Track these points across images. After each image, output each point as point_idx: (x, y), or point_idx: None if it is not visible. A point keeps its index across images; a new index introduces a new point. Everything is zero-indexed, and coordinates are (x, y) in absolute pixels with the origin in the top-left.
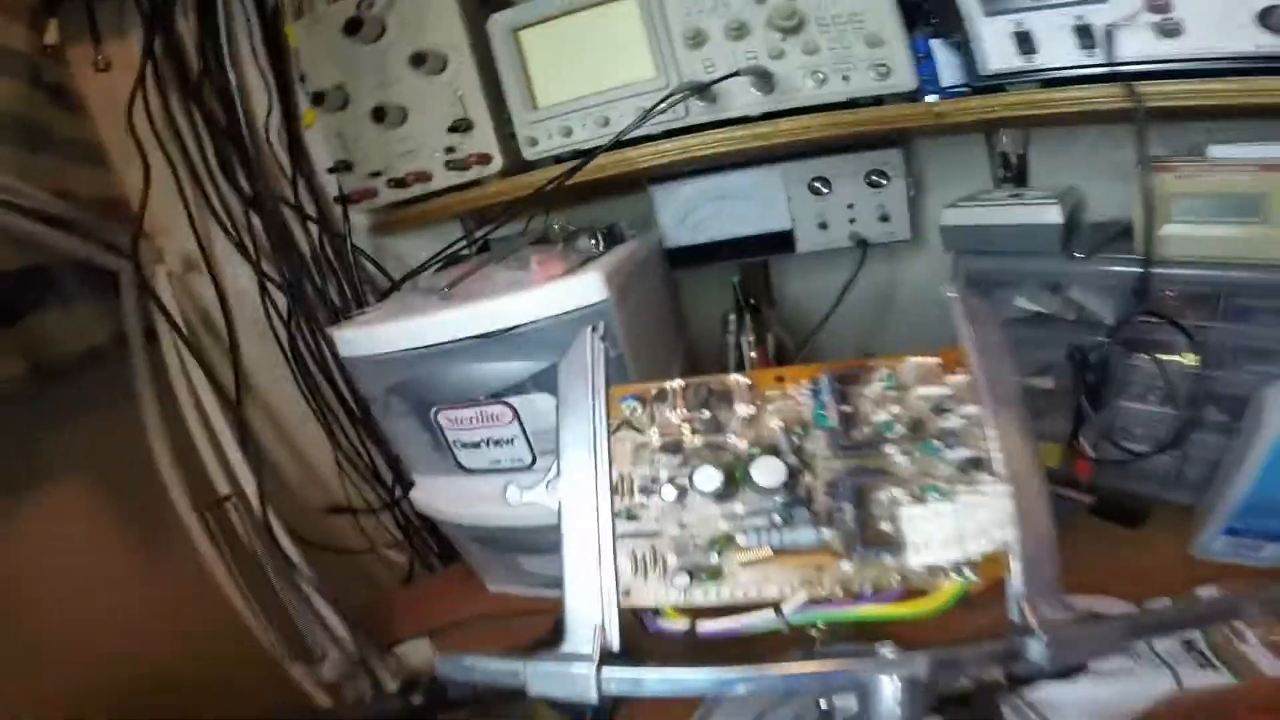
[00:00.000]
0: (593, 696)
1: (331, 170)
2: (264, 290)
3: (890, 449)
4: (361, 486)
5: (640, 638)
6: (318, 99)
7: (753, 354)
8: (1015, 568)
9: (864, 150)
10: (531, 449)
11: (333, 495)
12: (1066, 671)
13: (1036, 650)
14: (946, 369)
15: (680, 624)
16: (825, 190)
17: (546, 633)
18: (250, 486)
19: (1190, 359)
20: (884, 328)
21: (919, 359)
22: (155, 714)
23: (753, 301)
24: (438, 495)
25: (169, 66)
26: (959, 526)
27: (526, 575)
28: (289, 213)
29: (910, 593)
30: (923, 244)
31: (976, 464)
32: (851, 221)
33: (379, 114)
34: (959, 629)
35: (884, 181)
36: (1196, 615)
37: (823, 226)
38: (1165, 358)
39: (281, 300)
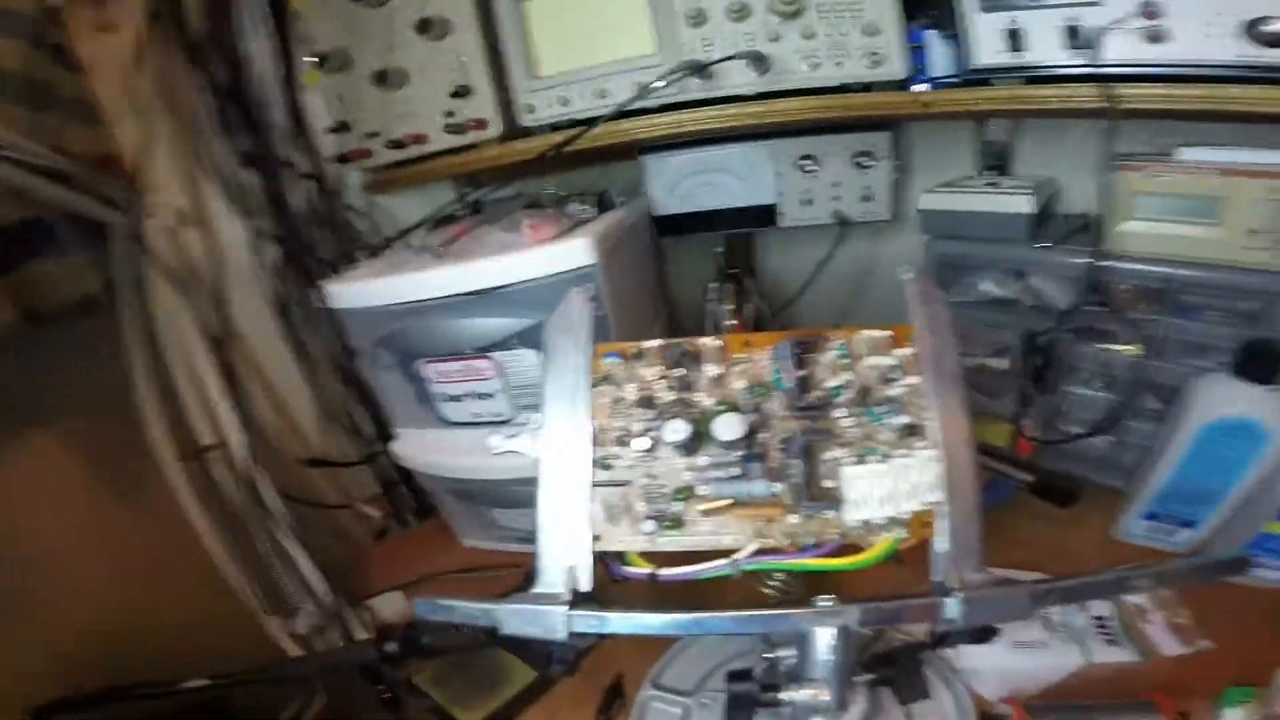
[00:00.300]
0: (562, 634)
1: (331, 131)
2: (255, 243)
3: (838, 412)
4: (341, 440)
5: (605, 587)
6: (320, 61)
7: (731, 322)
8: (941, 529)
9: (853, 131)
10: (512, 403)
11: (311, 448)
12: (981, 634)
13: (953, 608)
14: (896, 343)
15: (643, 570)
16: (812, 168)
17: (518, 584)
18: (235, 436)
19: (1132, 349)
20: (860, 303)
21: (871, 331)
22: (128, 666)
23: (734, 271)
24: (419, 447)
25: (171, 26)
26: (893, 487)
27: (500, 530)
28: (284, 169)
29: (847, 547)
30: (903, 224)
31: (913, 430)
32: (835, 199)
33: (381, 77)
34: (892, 584)
35: (870, 163)
36: (1091, 587)
37: (807, 203)
38: (1110, 347)
39: (272, 253)
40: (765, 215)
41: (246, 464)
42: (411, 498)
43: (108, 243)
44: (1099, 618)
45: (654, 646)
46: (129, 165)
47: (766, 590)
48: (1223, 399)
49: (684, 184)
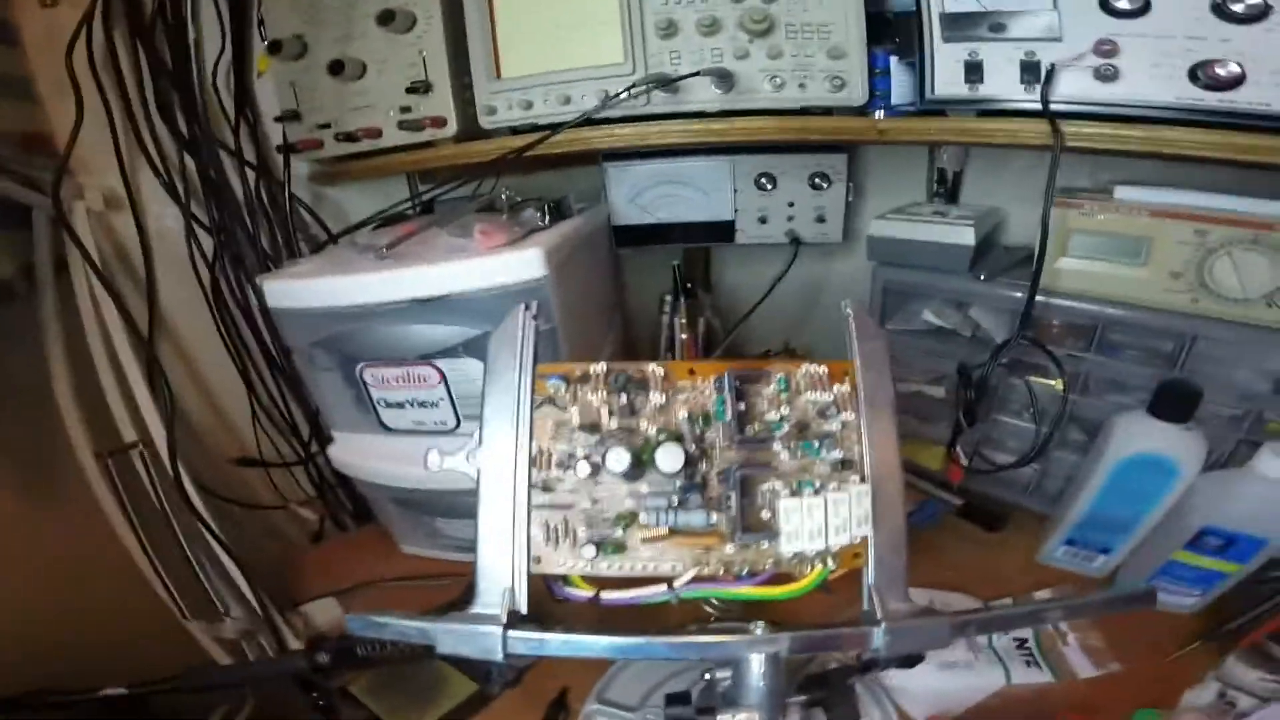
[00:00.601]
0: (499, 655)
1: (280, 119)
2: (190, 232)
3: (777, 445)
4: (276, 439)
5: (548, 604)
6: (274, 47)
7: (683, 336)
8: (871, 561)
9: (811, 152)
10: (456, 413)
11: (244, 445)
12: (908, 660)
13: (879, 637)
14: (834, 378)
15: (585, 592)
16: (770, 186)
17: (457, 597)
18: (158, 432)
19: (1058, 384)
20: (810, 323)
21: (811, 367)
22: (41, 673)
23: (690, 285)
24: (357, 453)
25: (121, 4)
26: (826, 519)
27: (441, 538)
28: (226, 157)
29: (780, 575)
30: (853, 247)
31: (847, 464)
32: (790, 219)
33: (337, 67)
34: (822, 612)
35: (825, 184)
36: (1008, 618)
37: (763, 221)
38: (1039, 380)
39: (208, 242)
40: (723, 231)
41: (170, 461)
42: (349, 501)
43: (30, 225)
44: (1019, 640)
45: (599, 661)
46: (60, 144)
47: (708, 609)
48: (1139, 435)
49: (645, 195)
